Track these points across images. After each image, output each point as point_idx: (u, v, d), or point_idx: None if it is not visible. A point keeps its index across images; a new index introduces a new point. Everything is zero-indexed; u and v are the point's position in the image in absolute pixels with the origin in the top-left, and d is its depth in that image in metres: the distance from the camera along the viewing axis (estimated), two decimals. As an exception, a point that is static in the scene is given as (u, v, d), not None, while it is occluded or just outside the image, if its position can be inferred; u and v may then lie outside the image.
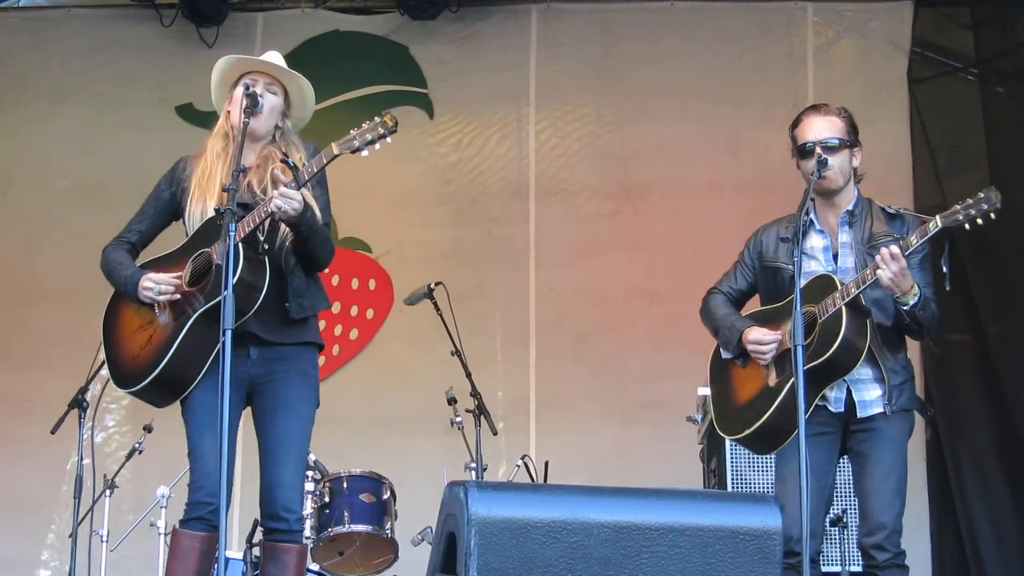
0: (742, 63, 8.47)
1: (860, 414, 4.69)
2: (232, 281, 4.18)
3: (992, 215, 4.38)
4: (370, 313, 8.41)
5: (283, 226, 4.50)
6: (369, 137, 4.32)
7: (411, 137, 8.46)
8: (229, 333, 4.11)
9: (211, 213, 4.47)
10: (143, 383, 4.58)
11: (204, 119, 8.44)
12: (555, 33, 8.66)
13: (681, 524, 3.50)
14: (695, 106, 8.45)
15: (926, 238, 4.47)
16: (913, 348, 7.28)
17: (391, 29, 8.68)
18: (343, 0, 8.80)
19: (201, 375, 4.52)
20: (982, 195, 4.40)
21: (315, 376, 4.72)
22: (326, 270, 4.80)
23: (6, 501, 7.95)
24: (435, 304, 6.73)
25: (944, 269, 4.51)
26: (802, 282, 4.53)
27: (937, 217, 4.45)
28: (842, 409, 4.72)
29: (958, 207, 4.42)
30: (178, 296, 4.56)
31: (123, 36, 8.66)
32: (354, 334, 8.38)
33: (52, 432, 6.45)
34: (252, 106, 4.51)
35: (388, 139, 4.31)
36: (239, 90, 4.64)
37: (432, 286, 6.76)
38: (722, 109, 8.41)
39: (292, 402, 4.59)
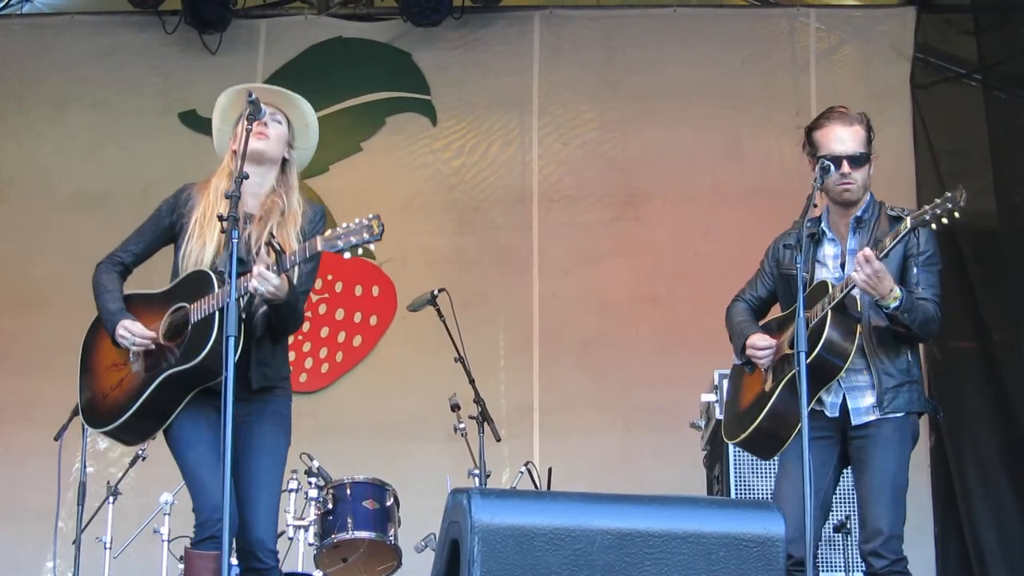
0: (744, 69, 8.48)
1: (854, 421, 4.69)
2: (234, 292, 4.17)
3: (956, 214, 4.40)
4: (373, 320, 8.41)
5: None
6: (354, 241, 4.30)
7: (414, 144, 8.47)
8: (232, 340, 4.10)
9: (207, 258, 4.45)
10: (108, 428, 4.59)
11: (207, 126, 8.32)
12: (558, 39, 8.66)
13: (684, 531, 3.49)
14: (697, 112, 8.46)
15: (899, 239, 4.47)
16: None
17: (394, 36, 8.69)
18: (346, 7, 8.81)
19: (171, 419, 4.48)
20: (949, 195, 4.42)
21: (288, 417, 4.66)
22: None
23: (9, 507, 7.95)
24: (438, 310, 6.71)
25: None
26: (807, 290, 4.58)
27: (907, 218, 4.47)
28: (837, 414, 4.71)
29: (927, 207, 4.45)
30: (153, 347, 4.54)
31: (126, 43, 8.67)
32: (357, 340, 8.38)
33: (55, 439, 6.45)
34: (255, 112, 4.44)
35: (371, 247, 4.31)
36: (241, 126, 4.52)
37: (435, 292, 6.75)
38: (724, 115, 8.42)
39: (265, 440, 4.55)
